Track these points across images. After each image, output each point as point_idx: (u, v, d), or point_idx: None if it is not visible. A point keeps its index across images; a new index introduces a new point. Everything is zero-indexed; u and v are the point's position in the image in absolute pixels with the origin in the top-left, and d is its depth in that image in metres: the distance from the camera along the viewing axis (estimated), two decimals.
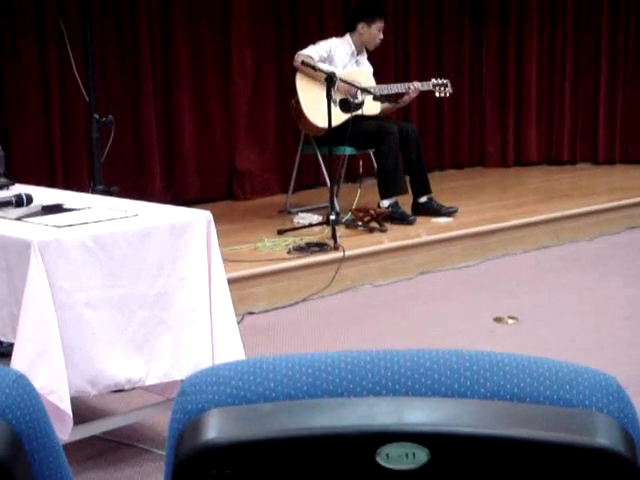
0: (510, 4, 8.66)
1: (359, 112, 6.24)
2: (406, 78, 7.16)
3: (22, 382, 1.12)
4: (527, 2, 8.64)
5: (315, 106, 6.20)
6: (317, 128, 6.25)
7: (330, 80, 5.79)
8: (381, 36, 6.58)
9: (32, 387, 1.13)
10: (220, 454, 0.97)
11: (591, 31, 8.63)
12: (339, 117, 6.10)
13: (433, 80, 6.63)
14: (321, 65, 6.17)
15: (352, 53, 6.52)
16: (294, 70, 6.34)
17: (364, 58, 6.65)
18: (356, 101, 6.28)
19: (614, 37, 8.58)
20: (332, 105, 5.84)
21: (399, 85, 6.57)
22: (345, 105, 6.22)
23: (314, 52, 6.32)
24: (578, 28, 8.67)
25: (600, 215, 6.79)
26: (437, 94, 6.68)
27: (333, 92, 5.91)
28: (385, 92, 6.41)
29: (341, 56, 6.44)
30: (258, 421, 0.99)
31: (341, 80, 6.05)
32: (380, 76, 6.73)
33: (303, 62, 6.17)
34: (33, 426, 1.11)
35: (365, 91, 6.22)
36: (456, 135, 8.71)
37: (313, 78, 6.23)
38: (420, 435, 0.95)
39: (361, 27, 6.51)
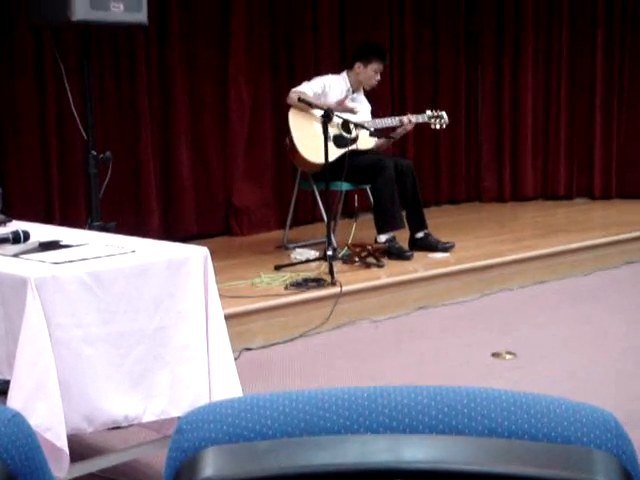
0: (505, 40, 8.72)
1: (353, 147, 6.25)
2: (402, 112, 7.17)
3: (17, 420, 1.11)
4: (521, 37, 8.70)
5: (309, 142, 6.22)
6: (312, 164, 6.26)
7: (327, 116, 5.81)
8: (378, 77, 6.61)
9: (28, 425, 1.12)
10: None
11: (586, 65, 8.70)
12: (333, 152, 6.11)
13: (428, 112, 6.64)
14: (315, 102, 6.19)
15: (347, 90, 6.54)
16: (288, 107, 6.37)
17: (361, 96, 6.66)
18: (350, 136, 6.30)
19: (609, 72, 8.64)
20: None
21: (392, 119, 6.57)
22: (339, 140, 6.24)
23: (308, 89, 6.34)
24: (573, 63, 8.73)
25: (597, 250, 6.80)
26: (433, 126, 6.69)
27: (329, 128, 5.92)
28: (379, 126, 6.43)
29: (335, 93, 6.47)
30: (255, 459, 0.98)
31: (336, 115, 6.06)
32: (376, 110, 6.75)
33: (299, 99, 6.18)
34: (28, 465, 1.10)
35: (359, 126, 6.24)
36: (452, 170, 8.74)
37: (306, 114, 6.26)
38: (418, 472, 0.95)
39: (357, 66, 6.54)
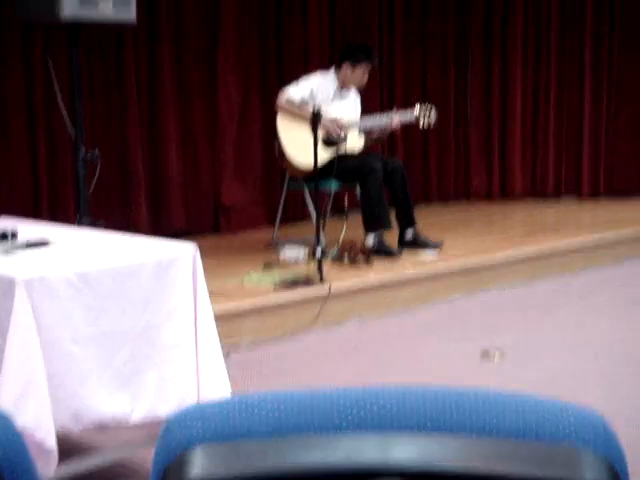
0: (494, 37, 8.73)
1: (343, 150, 6.22)
2: (390, 107, 7.10)
3: (4, 422, 1.11)
4: (511, 34, 8.70)
5: (298, 147, 6.20)
6: (301, 170, 6.25)
7: (315, 119, 5.77)
8: (366, 78, 6.58)
9: (14, 426, 1.12)
10: None
11: (574, 62, 8.71)
12: (323, 154, 6.08)
13: (418, 105, 6.49)
14: (303, 107, 6.17)
15: (336, 89, 6.52)
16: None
17: (350, 92, 6.60)
18: (340, 137, 6.29)
19: (597, 68, 8.66)
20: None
21: (380, 116, 6.51)
22: (328, 142, 6.22)
23: (296, 94, 6.31)
24: (562, 60, 8.75)
25: (586, 249, 6.81)
26: (420, 124, 6.50)
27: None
28: (368, 125, 6.41)
29: (324, 94, 6.43)
30: (243, 459, 0.98)
31: (324, 122, 6.05)
32: (365, 105, 6.71)
33: (285, 107, 6.22)
34: (15, 463, 1.10)
35: (350, 128, 6.24)
36: (441, 168, 8.74)
37: (294, 118, 6.25)
38: (406, 471, 0.95)
39: (345, 67, 6.50)
